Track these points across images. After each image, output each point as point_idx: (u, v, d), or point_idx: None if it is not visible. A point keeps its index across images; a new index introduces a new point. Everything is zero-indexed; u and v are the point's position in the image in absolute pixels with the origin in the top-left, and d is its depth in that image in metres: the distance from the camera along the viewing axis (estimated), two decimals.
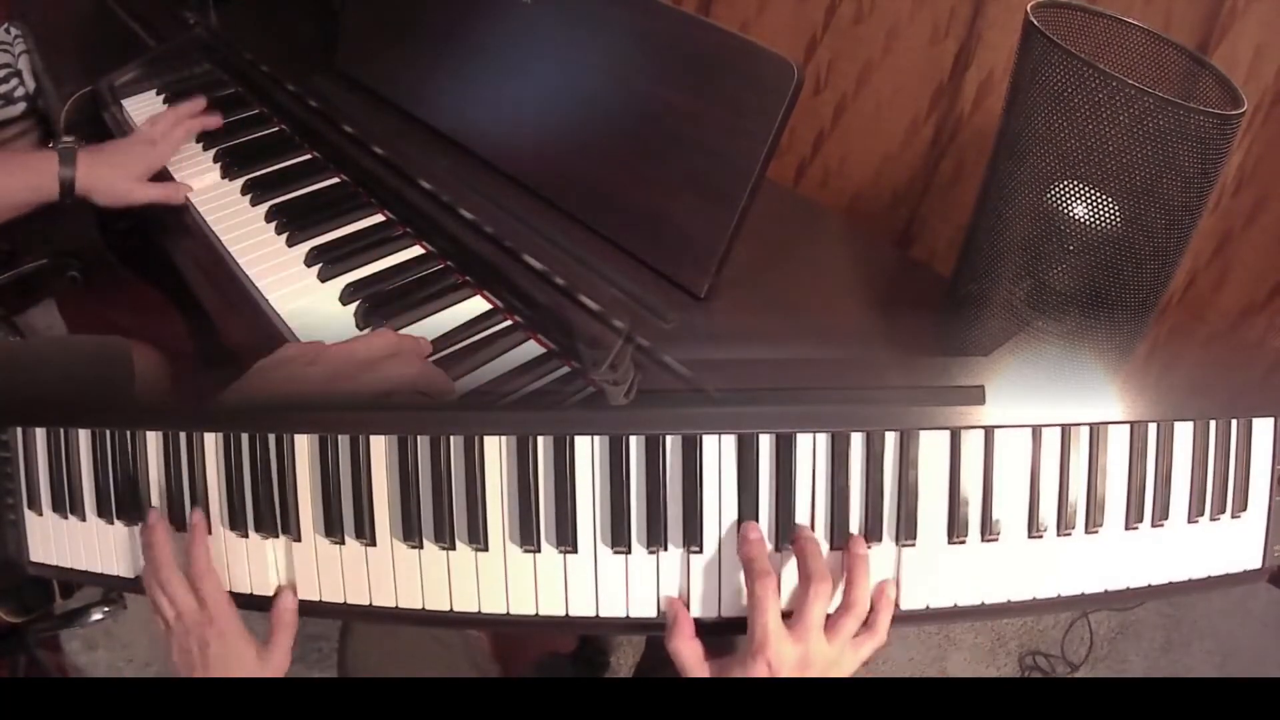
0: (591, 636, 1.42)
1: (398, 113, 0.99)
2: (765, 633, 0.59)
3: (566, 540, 0.65)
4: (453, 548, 0.67)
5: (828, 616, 0.61)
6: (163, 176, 1.00)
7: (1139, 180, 0.62)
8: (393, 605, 0.69)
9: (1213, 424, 0.67)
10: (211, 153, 1.03)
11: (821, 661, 0.59)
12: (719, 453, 0.64)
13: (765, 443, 0.64)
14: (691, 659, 0.61)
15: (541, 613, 0.67)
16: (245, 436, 0.70)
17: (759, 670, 0.58)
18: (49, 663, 1.33)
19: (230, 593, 0.72)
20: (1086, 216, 0.65)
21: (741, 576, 0.63)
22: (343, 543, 0.69)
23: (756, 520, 0.64)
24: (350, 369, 0.69)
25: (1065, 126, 0.63)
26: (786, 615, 0.61)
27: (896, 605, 0.64)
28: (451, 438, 0.66)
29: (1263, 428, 0.68)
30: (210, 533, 0.71)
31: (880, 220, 1.09)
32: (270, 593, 0.71)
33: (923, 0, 0.97)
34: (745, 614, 0.64)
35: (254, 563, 0.71)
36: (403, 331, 0.78)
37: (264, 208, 0.95)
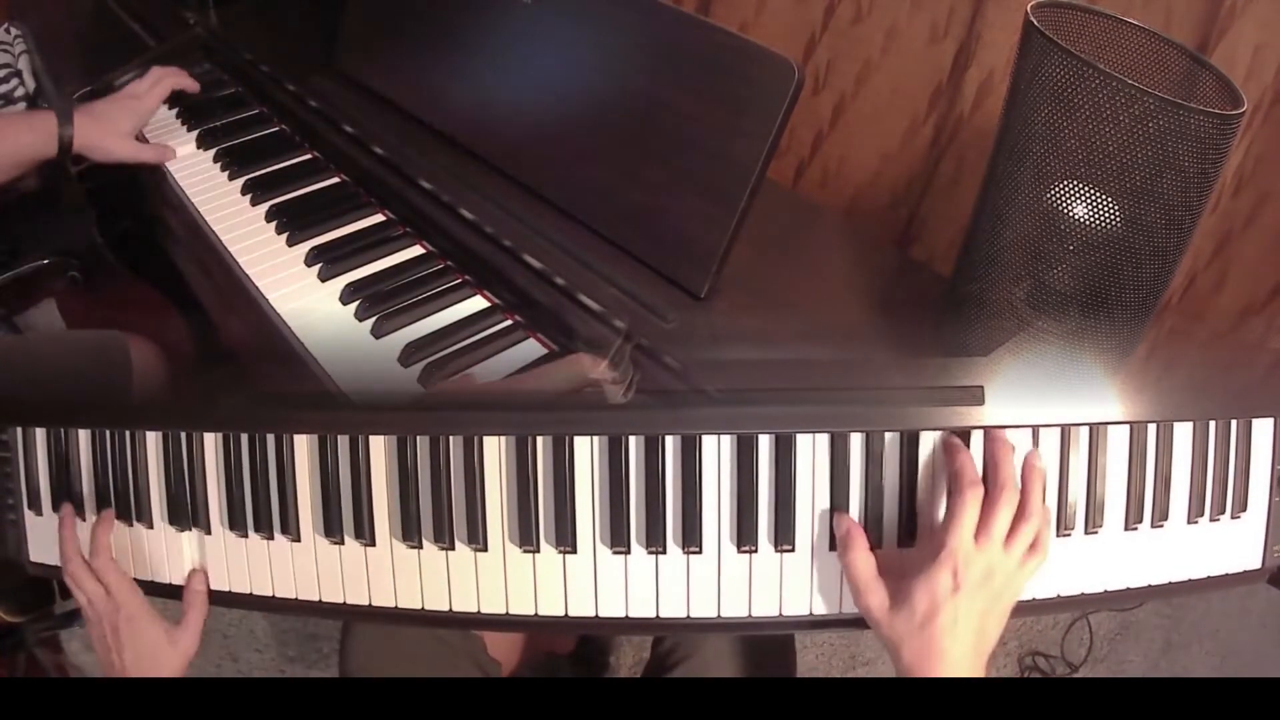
0: (591, 636, 1.42)
1: (398, 113, 0.99)
2: (958, 542, 0.59)
3: (566, 540, 0.65)
4: (452, 548, 0.67)
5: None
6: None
7: (1139, 180, 0.62)
8: (392, 605, 0.69)
9: (1212, 424, 0.67)
10: (211, 152, 1.03)
11: (1002, 574, 0.60)
12: (718, 453, 0.64)
13: (765, 443, 0.64)
14: (866, 572, 0.62)
15: (541, 613, 0.67)
16: (245, 436, 0.70)
17: (943, 579, 0.58)
18: (49, 662, 1.33)
19: (229, 592, 0.72)
20: (1086, 216, 0.65)
21: (739, 579, 0.63)
22: (342, 543, 0.69)
23: (756, 523, 0.64)
24: None
25: (1065, 126, 0.63)
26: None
27: None
28: (451, 438, 0.66)
29: (1262, 428, 0.68)
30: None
31: (880, 220, 1.08)
32: (269, 594, 0.71)
33: (922, 0, 0.97)
34: (744, 617, 0.64)
35: (253, 561, 0.71)
36: (404, 331, 0.78)
37: (264, 208, 0.94)
